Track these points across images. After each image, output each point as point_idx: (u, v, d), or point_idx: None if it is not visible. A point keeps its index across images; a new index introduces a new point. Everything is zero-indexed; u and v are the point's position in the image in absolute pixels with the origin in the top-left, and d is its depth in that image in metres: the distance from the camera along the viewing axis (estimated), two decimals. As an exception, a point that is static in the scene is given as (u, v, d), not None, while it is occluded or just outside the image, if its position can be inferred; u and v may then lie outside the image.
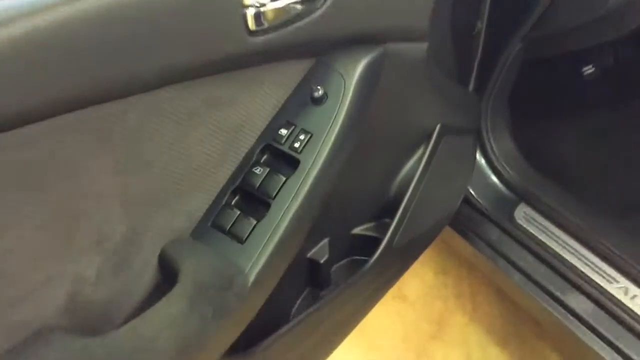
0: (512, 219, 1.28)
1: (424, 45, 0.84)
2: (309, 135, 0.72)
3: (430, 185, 1.02)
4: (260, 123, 0.73)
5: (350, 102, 0.73)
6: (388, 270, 1.06)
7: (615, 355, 1.11)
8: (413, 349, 1.47)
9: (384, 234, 0.97)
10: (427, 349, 1.47)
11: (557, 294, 1.21)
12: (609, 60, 1.44)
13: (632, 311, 1.12)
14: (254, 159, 0.73)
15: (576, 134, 1.47)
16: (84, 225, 0.57)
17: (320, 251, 0.95)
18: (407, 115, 0.93)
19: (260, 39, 0.64)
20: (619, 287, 1.18)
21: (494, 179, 1.31)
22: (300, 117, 0.73)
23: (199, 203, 0.70)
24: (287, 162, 0.72)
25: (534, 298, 1.23)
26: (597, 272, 1.21)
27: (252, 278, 0.66)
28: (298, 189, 0.70)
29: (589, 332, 1.16)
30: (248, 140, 0.72)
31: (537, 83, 1.38)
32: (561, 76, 1.45)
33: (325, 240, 0.95)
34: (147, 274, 0.65)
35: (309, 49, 0.73)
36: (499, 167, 1.30)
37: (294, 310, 0.97)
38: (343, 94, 0.73)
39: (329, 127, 0.72)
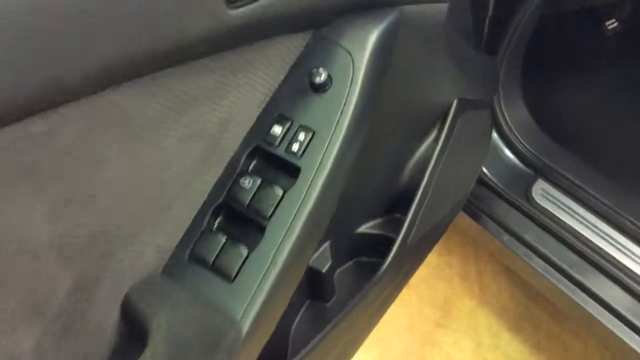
0: (529, 197, 1.14)
1: (444, 6, 0.67)
2: (310, 134, 0.55)
3: (447, 170, 0.87)
4: (246, 120, 0.56)
5: (362, 86, 0.56)
6: (402, 270, 0.91)
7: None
8: (418, 338, 1.34)
9: (395, 231, 0.82)
10: (433, 338, 1.34)
11: (580, 278, 1.08)
12: (632, 15, 1.28)
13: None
14: (240, 167, 0.56)
15: (595, 96, 1.32)
16: (13, 291, 0.41)
17: (321, 258, 0.79)
18: (421, 92, 0.77)
19: (241, 10, 0.47)
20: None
21: (508, 153, 1.16)
22: (297, 109, 0.56)
23: (172, 230, 0.53)
24: (284, 170, 0.56)
25: (553, 283, 1.10)
26: (624, 254, 1.08)
27: (246, 328, 0.51)
28: (300, 205, 0.54)
29: (618, 320, 1.04)
30: (232, 143, 0.56)
31: (553, 42, 1.22)
32: (581, 33, 1.29)
33: (327, 244, 0.79)
34: (104, 335, 0.49)
35: (304, 19, 0.56)
36: (514, 140, 1.16)
37: (294, 327, 0.83)
38: (352, 77, 0.56)
39: (335, 121, 0.55)
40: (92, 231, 0.44)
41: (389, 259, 0.79)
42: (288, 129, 0.56)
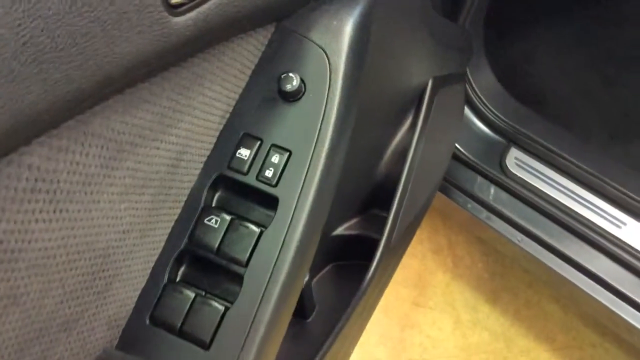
0: (503, 167, 1.08)
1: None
2: (286, 155, 0.45)
3: (425, 157, 0.78)
4: (204, 147, 0.45)
5: (342, 89, 0.46)
6: (387, 270, 0.83)
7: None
8: (396, 321, 1.28)
9: (375, 230, 0.74)
10: (411, 319, 1.29)
11: (559, 246, 1.04)
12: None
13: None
14: (202, 202, 0.45)
15: (559, 55, 1.26)
16: None
17: (297, 272, 0.70)
18: (397, 77, 0.67)
19: (188, 16, 0.35)
20: (628, 231, 1.02)
21: (479, 123, 1.09)
22: (266, 125, 0.46)
23: (124, 294, 0.43)
24: (258, 203, 0.45)
25: (531, 254, 1.06)
26: (603, 217, 1.04)
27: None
28: (283, 244, 0.44)
29: (599, 286, 1.01)
30: (189, 178, 0.45)
31: (512, 3, 1.14)
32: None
33: None
34: None
35: (264, 13, 0.45)
36: (483, 109, 1.08)
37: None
38: (330, 79, 0.46)
39: (315, 136, 0.45)
40: (20, 333, 0.33)
41: (375, 262, 0.71)
42: (257, 151, 0.45)
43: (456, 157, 1.06)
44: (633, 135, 1.19)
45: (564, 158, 1.06)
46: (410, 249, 1.38)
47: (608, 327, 1.07)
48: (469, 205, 1.08)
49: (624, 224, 0.99)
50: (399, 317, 1.29)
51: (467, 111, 1.08)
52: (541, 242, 1.04)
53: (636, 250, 0.98)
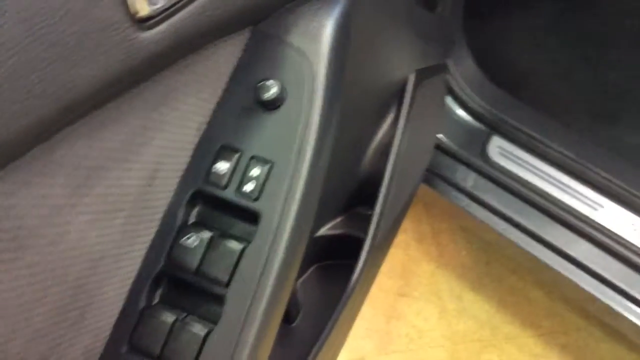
0: (486, 156, 1.07)
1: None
2: (267, 167, 0.43)
3: (408, 151, 0.77)
4: (180, 159, 0.42)
5: (325, 94, 0.44)
6: (373, 269, 0.82)
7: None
8: (382, 313, 1.27)
9: (360, 228, 0.73)
10: (397, 310, 1.28)
11: (543, 234, 1.04)
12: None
13: (623, 239, 0.97)
14: (179, 220, 0.43)
15: (538, 38, 1.24)
16: None
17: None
18: (379, 73, 0.65)
19: (157, 30, 0.33)
20: (604, 214, 1.02)
21: (461, 112, 1.07)
22: (245, 136, 0.43)
23: (99, 323, 0.40)
24: (239, 218, 0.43)
25: (516, 243, 1.05)
26: (586, 204, 1.04)
27: None
28: (266, 262, 0.42)
29: (583, 272, 1.02)
30: (165, 192, 0.42)
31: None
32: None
33: None
34: None
35: (238, 19, 0.42)
36: (465, 98, 1.06)
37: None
38: (312, 85, 0.43)
39: (296, 146, 0.43)
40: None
41: (361, 262, 0.69)
42: (237, 164, 0.43)
43: (438, 147, 1.05)
44: (614, 117, 1.18)
45: (545, 144, 1.06)
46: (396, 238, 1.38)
47: (591, 311, 1.07)
48: (452, 194, 1.07)
49: (601, 206, 0.99)
50: (384, 309, 1.28)
51: (450, 100, 1.06)
52: (522, 229, 1.04)
53: (612, 232, 0.98)
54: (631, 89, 1.20)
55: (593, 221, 1.00)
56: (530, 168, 1.06)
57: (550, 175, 1.05)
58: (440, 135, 1.04)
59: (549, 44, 1.25)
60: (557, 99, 1.19)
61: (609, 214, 0.98)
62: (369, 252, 0.70)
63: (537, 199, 1.03)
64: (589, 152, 1.04)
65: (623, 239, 0.98)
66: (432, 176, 1.08)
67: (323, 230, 0.76)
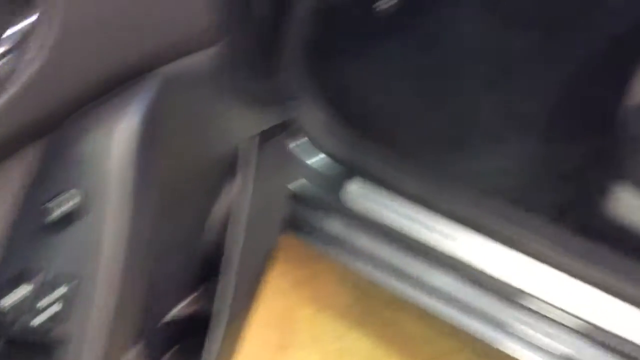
0: (343, 200, 1.09)
1: (209, 52, 0.55)
2: (70, 284, 0.40)
3: (253, 210, 0.76)
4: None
5: (132, 193, 0.42)
6: (232, 335, 0.80)
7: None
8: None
9: (212, 301, 0.71)
10: (280, 363, 1.26)
11: (410, 270, 1.07)
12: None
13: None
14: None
15: (379, 71, 1.29)
16: None
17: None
18: (204, 148, 0.65)
19: None
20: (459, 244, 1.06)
21: (315, 158, 1.09)
22: (44, 255, 0.41)
23: None
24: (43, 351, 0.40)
25: (387, 281, 1.09)
26: (448, 238, 1.08)
27: None
28: None
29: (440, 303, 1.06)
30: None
31: (331, 35, 1.15)
32: (355, 20, 1.23)
33: None
34: None
35: (30, 131, 0.40)
36: (317, 143, 1.08)
37: None
38: (116, 187, 0.42)
39: (104, 256, 0.41)
40: None
41: (209, 340, 0.68)
42: (39, 286, 0.40)
43: (295, 196, 1.06)
44: (460, 145, 1.25)
45: (398, 180, 1.10)
46: (273, 285, 1.36)
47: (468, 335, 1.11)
48: (314, 239, 1.09)
49: (454, 239, 1.03)
50: (264, 367, 1.26)
51: (303, 148, 1.07)
52: (384, 266, 1.07)
53: (467, 262, 1.02)
54: (473, 117, 1.28)
55: (444, 249, 1.04)
56: (387, 205, 1.09)
57: (406, 210, 1.09)
58: (295, 184, 1.05)
59: (395, 81, 1.30)
60: (406, 133, 1.24)
61: (459, 243, 1.02)
62: (217, 327, 0.68)
63: (396, 234, 1.07)
64: (439, 185, 1.10)
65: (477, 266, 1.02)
66: (295, 224, 1.08)
67: (173, 312, 0.73)
